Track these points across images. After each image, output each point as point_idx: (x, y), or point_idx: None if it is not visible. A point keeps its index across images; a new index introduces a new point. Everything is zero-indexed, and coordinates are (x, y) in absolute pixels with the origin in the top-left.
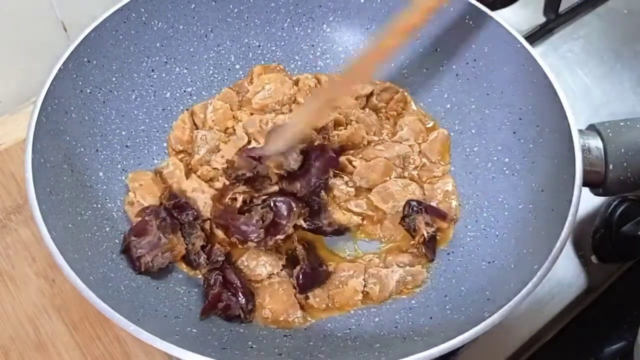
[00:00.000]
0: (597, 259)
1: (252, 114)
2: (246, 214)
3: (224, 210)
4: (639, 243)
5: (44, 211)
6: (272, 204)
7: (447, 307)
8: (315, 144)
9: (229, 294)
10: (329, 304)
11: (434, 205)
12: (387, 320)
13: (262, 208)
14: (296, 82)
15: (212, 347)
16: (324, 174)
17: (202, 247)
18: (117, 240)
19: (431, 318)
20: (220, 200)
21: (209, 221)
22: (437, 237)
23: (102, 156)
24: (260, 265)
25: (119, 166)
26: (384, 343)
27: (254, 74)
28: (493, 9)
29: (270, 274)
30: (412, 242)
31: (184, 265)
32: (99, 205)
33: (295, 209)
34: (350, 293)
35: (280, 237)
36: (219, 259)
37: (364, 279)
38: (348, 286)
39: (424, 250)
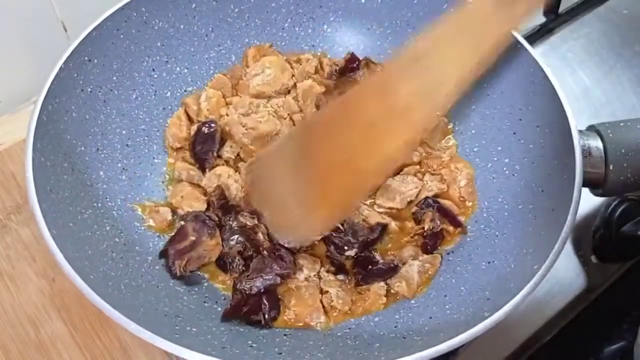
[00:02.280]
0: (597, 259)
1: None
2: None
3: None
4: (639, 243)
5: (45, 210)
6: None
7: (447, 307)
8: None
9: (254, 299)
10: (352, 308)
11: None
12: (387, 320)
13: None
14: (297, 61)
15: (212, 346)
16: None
17: (240, 252)
18: (117, 239)
19: (431, 318)
20: None
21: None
22: (440, 238)
23: (103, 155)
24: (297, 269)
25: (120, 165)
26: (383, 342)
27: (248, 57)
28: None
29: (307, 277)
30: (412, 232)
31: (213, 267)
32: (100, 204)
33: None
34: (373, 298)
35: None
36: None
37: (385, 283)
38: (370, 291)
39: (421, 242)
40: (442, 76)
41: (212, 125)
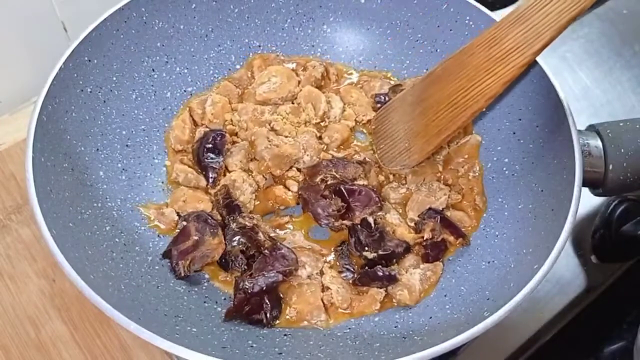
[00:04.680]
0: (596, 259)
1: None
2: (327, 200)
3: (310, 186)
4: (638, 243)
5: (45, 210)
6: (358, 191)
7: (447, 306)
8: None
9: (256, 298)
10: (349, 307)
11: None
12: (387, 320)
13: (342, 201)
14: (304, 67)
15: (212, 346)
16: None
17: (242, 252)
18: (117, 240)
19: (431, 318)
20: (312, 176)
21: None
22: (444, 249)
23: (103, 155)
24: (300, 267)
25: (119, 165)
26: (383, 342)
27: (254, 67)
28: (492, 9)
29: (309, 275)
30: (414, 239)
31: (213, 267)
32: (99, 205)
33: (372, 203)
34: (368, 301)
35: (347, 222)
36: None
37: (385, 290)
38: (367, 294)
39: (422, 253)
40: (541, 30)
41: (223, 135)
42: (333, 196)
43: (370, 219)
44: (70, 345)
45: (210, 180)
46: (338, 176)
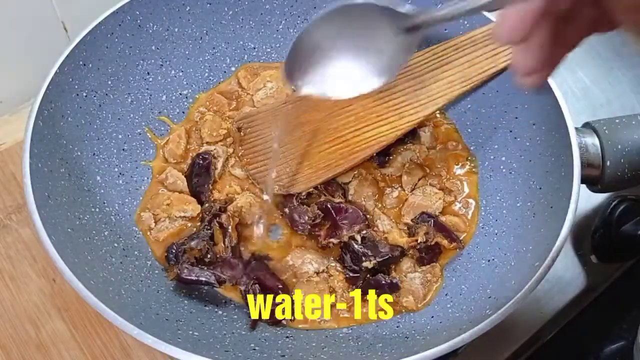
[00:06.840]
0: (597, 259)
1: None
2: (305, 207)
3: (289, 194)
4: (639, 243)
5: (43, 216)
6: (345, 209)
7: (449, 305)
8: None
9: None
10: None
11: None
12: (389, 320)
13: (323, 211)
14: None
15: (215, 350)
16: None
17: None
18: (115, 244)
19: (432, 317)
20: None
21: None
22: (438, 253)
23: (99, 160)
24: (306, 262)
25: (116, 169)
26: (386, 343)
27: (239, 78)
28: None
29: (317, 272)
30: (407, 242)
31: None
32: (97, 210)
33: (359, 221)
34: (368, 308)
35: (335, 240)
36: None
37: (385, 298)
38: (369, 303)
39: (417, 257)
40: (433, 91)
41: (206, 156)
42: (316, 209)
43: (358, 237)
44: (71, 345)
45: (204, 204)
46: (320, 190)
